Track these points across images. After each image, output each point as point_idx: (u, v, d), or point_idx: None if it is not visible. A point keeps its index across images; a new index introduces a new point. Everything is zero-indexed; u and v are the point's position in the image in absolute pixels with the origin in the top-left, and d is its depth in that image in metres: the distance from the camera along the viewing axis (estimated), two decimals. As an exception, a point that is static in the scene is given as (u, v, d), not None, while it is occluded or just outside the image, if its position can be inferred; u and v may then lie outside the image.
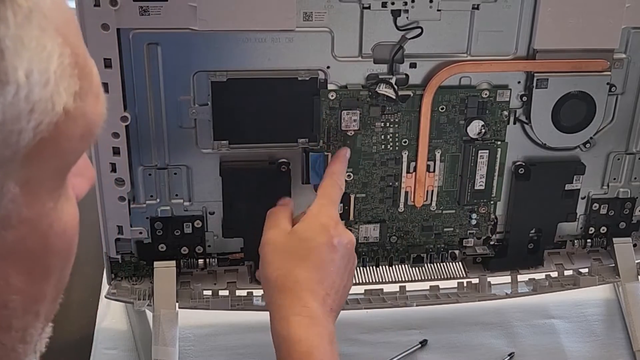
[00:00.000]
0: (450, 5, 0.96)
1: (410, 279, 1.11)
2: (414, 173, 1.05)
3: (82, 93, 0.44)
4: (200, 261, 1.06)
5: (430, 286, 1.12)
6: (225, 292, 1.06)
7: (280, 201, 0.98)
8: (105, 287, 1.06)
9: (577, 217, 1.13)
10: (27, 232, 0.44)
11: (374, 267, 1.11)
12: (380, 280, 1.11)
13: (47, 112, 0.41)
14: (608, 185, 1.12)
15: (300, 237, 0.90)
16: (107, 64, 0.90)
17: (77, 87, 0.43)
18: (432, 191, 1.07)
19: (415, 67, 0.99)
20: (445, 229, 1.10)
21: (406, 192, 1.06)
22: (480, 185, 1.06)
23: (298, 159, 1.01)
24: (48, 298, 0.49)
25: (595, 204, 1.12)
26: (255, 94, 0.96)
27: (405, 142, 1.03)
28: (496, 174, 1.06)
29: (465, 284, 1.12)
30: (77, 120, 0.44)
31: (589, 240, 1.15)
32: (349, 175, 1.03)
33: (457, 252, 1.12)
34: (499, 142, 1.04)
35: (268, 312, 0.87)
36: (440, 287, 1.12)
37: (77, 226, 0.50)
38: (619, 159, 1.10)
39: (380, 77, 0.98)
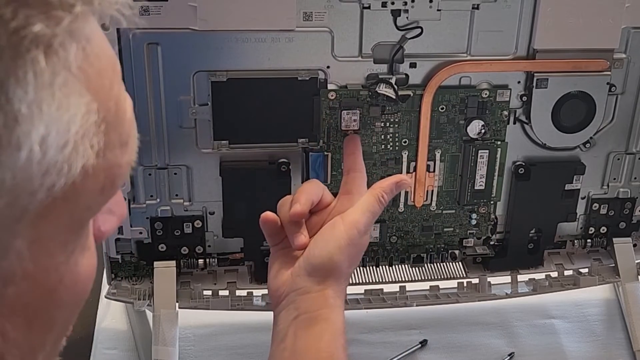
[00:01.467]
0: (450, 5, 0.96)
1: (410, 279, 1.11)
2: (414, 173, 1.04)
3: (107, 148, 0.42)
4: (200, 261, 1.06)
5: (430, 286, 1.12)
6: (225, 292, 1.05)
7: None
8: (105, 287, 1.05)
9: (577, 217, 1.13)
10: (30, 287, 0.42)
11: (374, 267, 1.11)
12: (380, 280, 1.10)
13: (63, 174, 0.39)
14: (608, 185, 1.11)
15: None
16: (107, 64, 0.90)
17: (102, 144, 0.41)
18: (432, 191, 1.06)
19: (415, 67, 0.99)
20: (445, 229, 1.10)
21: (406, 192, 1.06)
22: (480, 185, 1.06)
23: (298, 159, 1.01)
24: (48, 346, 0.48)
25: (595, 204, 1.12)
26: (255, 94, 0.96)
27: (405, 142, 1.03)
28: (496, 174, 1.06)
29: (465, 284, 1.12)
30: (98, 177, 0.42)
31: (589, 240, 1.15)
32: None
33: (457, 252, 1.12)
34: (499, 142, 1.04)
35: (266, 312, 0.88)
36: (440, 287, 1.12)
37: (92, 276, 0.48)
38: (619, 159, 1.10)
39: (380, 77, 0.98)
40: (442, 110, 1.02)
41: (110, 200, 0.46)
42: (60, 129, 0.38)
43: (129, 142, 0.45)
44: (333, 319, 0.84)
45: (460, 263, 1.13)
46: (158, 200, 1.01)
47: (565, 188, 1.08)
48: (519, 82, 1.02)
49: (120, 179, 0.45)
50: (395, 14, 0.96)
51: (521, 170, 1.07)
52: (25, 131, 0.36)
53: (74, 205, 0.42)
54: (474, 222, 1.10)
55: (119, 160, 0.44)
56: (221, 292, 1.05)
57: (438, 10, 0.96)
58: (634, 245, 1.15)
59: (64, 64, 0.38)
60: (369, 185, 0.93)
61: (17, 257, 0.40)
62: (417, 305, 1.10)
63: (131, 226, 1.01)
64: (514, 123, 1.04)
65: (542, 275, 1.14)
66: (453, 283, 1.12)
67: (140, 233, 1.02)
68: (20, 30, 0.36)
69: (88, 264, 0.47)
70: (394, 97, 0.98)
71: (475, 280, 1.12)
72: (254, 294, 1.06)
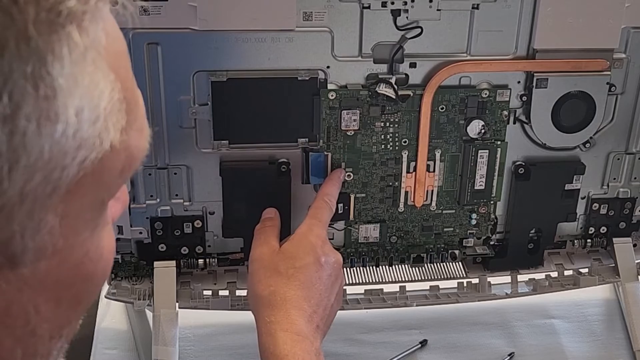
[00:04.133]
0: (450, 5, 0.96)
1: (410, 279, 1.11)
2: (413, 173, 1.04)
3: (128, 127, 0.43)
4: (200, 261, 1.06)
5: (430, 286, 1.11)
6: (225, 292, 1.05)
7: (266, 214, 0.99)
8: (105, 287, 1.04)
9: (577, 217, 1.12)
10: (59, 262, 0.44)
11: (374, 267, 1.11)
12: (380, 280, 1.10)
13: (94, 148, 0.40)
14: (608, 185, 1.11)
15: (288, 255, 0.91)
16: (107, 63, 0.90)
17: (124, 122, 0.43)
18: (432, 191, 1.06)
19: (415, 66, 0.99)
20: (445, 229, 1.10)
21: (406, 192, 1.06)
22: (480, 185, 1.06)
23: (298, 159, 1.01)
24: (73, 322, 0.49)
25: (595, 204, 1.12)
26: (255, 94, 0.96)
27: (405, 141, 1.03)
28: (496, 173, 1.05)
29: (465, 284, 1.12)
30: (120, 155, 0.43)
31: (588, 240, 1.15)
32: (349, 175, 1.02)
33: (457, 252, 1.12)
34: (498, 142, 1.04)
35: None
36: (440, 287, 1.12)
37: (114, 251, 0.50)
38: (618, 159, 1.10)
39: (380, 76, 0.98)
40: (442, 110, 1.01)
41: None
42: (92, 104, 0.39)
43: (144, 129, 0.47)
44: None
45: (460, 263, 1.13)
46: (158, 200, 1.01)
47: (565, 188, 1.08)
48: (518, 82, 1.02)
49: (137, 162, 0.46)
50: (395, 13, 0.95)
51: (521, 170, 1.06)
52: (63, 103, 0.38)
53: (99, 184, 0.43)
54: (474, 222, 1.10)
55: (137, 143, 0.46)
56: (221, 292, 1.05)
57: (438, 10, 0.96)
58: (634, 245, 1.15)
59: (93, 42, 0.39)
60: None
61: (49, 232, 0.41)
62: (417, 305, 1.10)
63: (131, 226, 1.01)
64: (514, 123, 1.04)
65: (542, 275, 1.14)
66: (453, 283, 1.12)
67: (140, 233, 1.02)
68: (56, 6, 0.37)
69: (109, 239, 0.49)
70: (394, 97, 0.98)
71: (475, 280, 1.12)
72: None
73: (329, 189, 0.99)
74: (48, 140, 0.38)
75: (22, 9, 0.36)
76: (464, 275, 1.12)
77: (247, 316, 1.03)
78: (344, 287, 1.07)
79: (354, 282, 1.09)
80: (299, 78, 0.96)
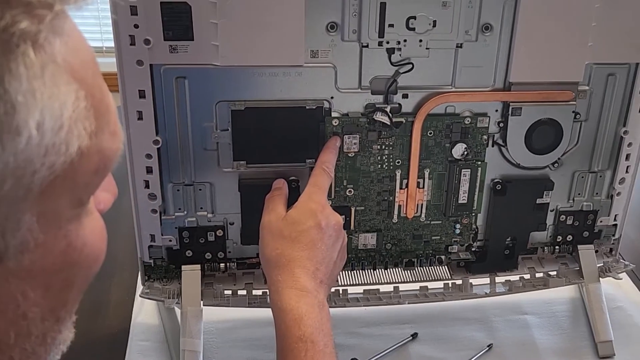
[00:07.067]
0: (437, 44, 0.94)
1: (402, 281, 1.09)
2: (406, 189, 1.02)
3: (99, 131, 0.42)
4: (222, 265, 1.04)
5: (420, 287, 1.09)
6: (243, 292, 1.03)
7: (275, 184, 0.96)
8: (139, 288, 1.04)
9: (547, 227, 1.10)
10: (43, 254, 0.42)
11: (372, 270, 1.09)
12: (377, 282, 1.08)
13: (61, 154, 0.39)
14: (573, 200, 1.09)
15: (292, 221, 0.89)
16: (142, 94, 0.88)
17: (93, 127, 0.41)
18: (422, 204, 1.04)
19: (407, 97, 0.97)
20: (433, 237, 1.08)
21: (399, 206, 1.04)
22: (463, 199, 1.04)
23: (306, 177, 0.98)
24: (70, 303, 0.48)
25: (562, 216, 1.10)
26: (269, 120, 0.94)
27: (398, 162, 1.01)
28: (477, 189, 1.04)
29: (450, 285, 1.10)
30: (92, 157, 0.42)
31: (557, 247, 1.12)
32: (349, 191, 1.01)
33: (443, 257, 1.10)
34: (479, 162, 1.02)
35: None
36: (429, 287, 1.09)
37: (101, 237, 0.48)
38: (582, 177, 1.07)
39: (376, 106, 0.96)
40: (430, 135, 1.00)
41: (105, 181, 0.46)
42: (54, 114, 0.38)
43: (117, 132, 0.45)
44: None
45: (445, 267, 1.10)
46: (185, 212, 0.99)
47: (537, 202, 1.06)
48: (496, 110, 1.00)
49: (112, 161, 0.45)
50: (390, 51, 0.94)
51: (498, 187, 1.04)
52: (23, 118, 0.36)
53: (73, 183, 0.42)
54: (457, 231, 1.08)
55: (111, 145, 0.44)
56: (240, 292, 1.03)
57: (427, 48, 0.94)
58: (596, 252, 1.13)
59: (51, 57, 0.38)
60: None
61: (28, 230, 0.40)
62: (408, 303, 1.08)
63: (162, 235, 0.99)
64: (492, 146, 1.02)
65: (516, 277, 1.12)
66: (439, 284, 1.10)
67: (170, 241, 1.00)
68: (9, 28, 0.35)
69: (94, 226, 0.47)
70: (388, 123, 0.96)
71: (459, 282, 1.10)
72: (268, 293, 1.03)
73: (326, 157, 0.95)
74: (12, 152, 0.36)
75: None
76: (449, 277, 1.10)
77: (262, 312, 1.02)
78: (346, 288, 1.06)
79: (354, 283, 1.07)
80: (307, 107, 0.95)
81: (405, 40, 0.93)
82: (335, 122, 0.96)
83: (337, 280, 1.04)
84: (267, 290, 1.01)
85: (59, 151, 0.39)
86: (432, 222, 1.07)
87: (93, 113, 0.41)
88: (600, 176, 1.08)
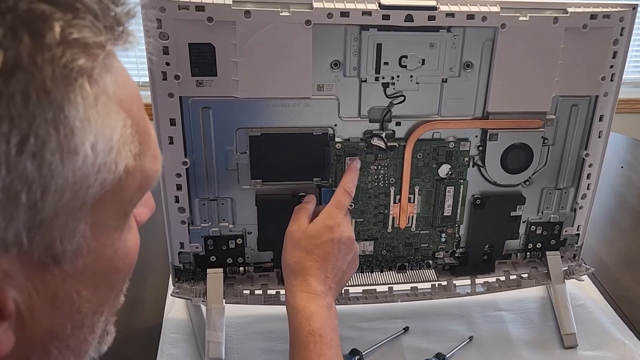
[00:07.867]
0: (425, 79, 0.92)
1: (396, 282, 1.07)
2: (399, 203, 1.00)
3: (142, 154, 0.42)
4: (241, 268, 1.02)
5: (411, 287, 1.07)
6: (260, 292, 1.01)
7: (306, 198, 0.95)
8: (171, 288, 1.02)
9: (520, 236, 1.08)
10: (94, 259, 0.43)
11: (369, 272, 1.06)
12: (374, 283, 1.06)
13: (111, 172, 0.39)
14: (542, 212, 1.06)
15: (310, 234, 0.87)
16: (172, 122, 0.87)
17: (137, 150, 0.42)
18: (413, 217, 1.02)
19: (399, 124, 0.95)
20: (422, 245, 1.05)
21: (393, 217, 1.02)
22: (448, 212, 1.02)
23: (314, 193, 0.97)
24: (111, 301, 0.48)
25: (533, 226, 1.07)
26: (281, 145, 0.92)
27: (392, 180, 0.99)
28: (460, 204, 1.02)
29: (437, 286, 1.08)
30: (136, 176, 0.42)
31: (528, 253, 1.10)
32: (351, 205, 0.99)
33: (430, 262, 1.07)
34: (461, 181, 1.00)
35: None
36: (418, 287, 1.07)
37: (138, 248, 0.48)
38: (550, 193, 1.05)
39: (373, 132, 0.94)
40: (420, 157, 0.98)
41: (144, 197, 0.47)
42: (105, 138, 0.39)
43: (157, 156, 0.46)
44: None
45: (433, 270, 1.08)
46: (210, 223, 0.97)
47: (511, 214, 1.04)
48: (476, 136, 0.98)
49: (152, 180, 0.45)
50: (385, 85, 0.92)
51: (478, 201, 1.02)
52: (80, 140, 0.37)
53: (120, 198, 0.42)
54: (443, 239, 1.06)
55: (152, 166, 0.44)
56: (256, 291, 1.01)
57: (417, 83, 0.92)
58: (562, 257, 1.10)
59: (103, 89, 0.39)
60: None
61: (82, 237, 0.41)
62: (401, 301, 1.06)
63: (190, 243, 0.97)
64: (473, 166, 1.00)
65: (493, 279, 1.09)
66: (428, 285, 1.08)
67: (197, 248, 0.98)
68: (68, 64, 0.36)
69: (133, 240, 0.48)
70: (384, 147, 0.94)
71: (444, 283, 1.07)
72: (281, 293, 1.01)
73: (348, 178, 0.93)
74: (71, 168, 0.37)
75: (41, 68, 0.35)
76: (436, 279, 1.08)
77: (275, 309, 1.00)
78: (347, 288, 1.04)
79: (354, 284, 1.05)
80: (314, 133, 0.93)
81: (398, 76, 0.91)
82: (338, 146, 0.94)
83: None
84: (281, 290, 1.01)
85: (110, 169, 0.39)
86: (421, 232, 1.04)
87: (137, 138, 0.42)
88: (565, 192, 1.06)
